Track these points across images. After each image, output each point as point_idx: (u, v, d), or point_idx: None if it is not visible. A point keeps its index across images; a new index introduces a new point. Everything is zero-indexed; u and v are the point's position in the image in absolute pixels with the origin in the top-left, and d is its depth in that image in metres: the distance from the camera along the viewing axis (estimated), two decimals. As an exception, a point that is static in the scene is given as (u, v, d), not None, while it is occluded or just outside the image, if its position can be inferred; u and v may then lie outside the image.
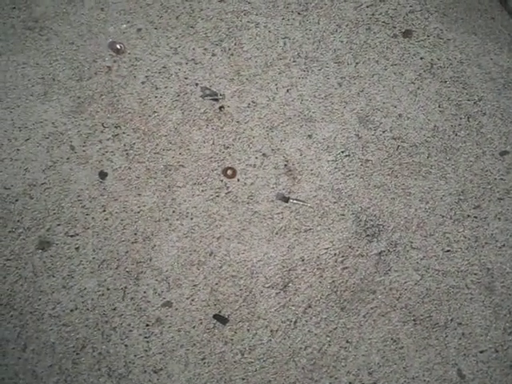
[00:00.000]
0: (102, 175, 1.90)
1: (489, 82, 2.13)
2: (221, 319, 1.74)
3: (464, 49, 2.18)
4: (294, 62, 2.11)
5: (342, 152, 1.98)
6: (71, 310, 1.74)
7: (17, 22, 2.13)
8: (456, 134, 2.02)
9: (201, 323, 1.74)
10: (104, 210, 1.86)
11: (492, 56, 2.18)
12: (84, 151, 1.93)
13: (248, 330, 1.74)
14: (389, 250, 1.85)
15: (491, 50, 2.19)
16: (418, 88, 2.10)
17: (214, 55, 2.11)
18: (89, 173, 1.90)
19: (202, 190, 1.90)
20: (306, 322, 1.76)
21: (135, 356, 1.70)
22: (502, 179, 1.97)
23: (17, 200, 1.86)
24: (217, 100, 2.02)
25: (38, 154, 1.92)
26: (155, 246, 1.82)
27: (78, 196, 1.87)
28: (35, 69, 2.05)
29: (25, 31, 2.11)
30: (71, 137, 1.95)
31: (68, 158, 1.92)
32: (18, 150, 1.92)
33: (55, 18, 2.14)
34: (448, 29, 2.22)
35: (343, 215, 1.89)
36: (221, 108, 2.01)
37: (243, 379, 1.69)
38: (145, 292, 1.77)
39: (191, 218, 1.86)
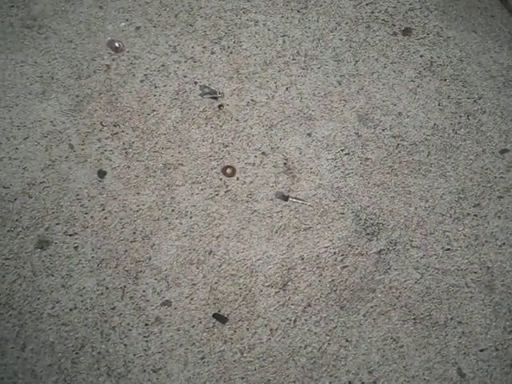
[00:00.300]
0: (101, 174, 1.90)
1: (489, 80, 2.13)
2: (220, 318, 1.74)
3: (464, 47, 2.18)
4: (293, 60, 2.11)
5: (342, 150, 1.97)
6: (70, 310, 1.74)
7: (15, 21, 2.13)
8: (456, 132, 2.02)
9: (200, 322, 1.74)
10: (103, 209, 1.85)
11: (492, 54, 2.18)
12: (83, 150, 1.93)
13: (247, 329, 1.74)
14: (388, 249, 1.85)
15: (491, 47, 2.19)
16: (418, 86, 2.10)
17: (213, 53, 2.10)
18: (88, 171, 1.90)
19: (201, 189, 1.90)
20: (306, 320, 1.76)
21: (134, 355, 1.70)
22: (502, 177, 1.97)
23: (15, 199, 1.85)
24: (216, 98, 2.02)
25: (37, 152, 1.92)
26: (154, 244, 1.82)
27: (77, 195, 1.87)
28: (34, 67, 2.05)
29: (23, 29, 2.11)
30: (70, 135, 1.95)
31: (67, 157, 1.92)
32: (16, 148, 1.92)
33: (54, 16, 2.14)
34: (448, 27, 2.22)
35: (343, 214, 1.89)
36: (220, 106, 2.01)
37: (243, 378, 1.69)
38: (144, 291, 1.77)
39: (190, 217, 1.86)
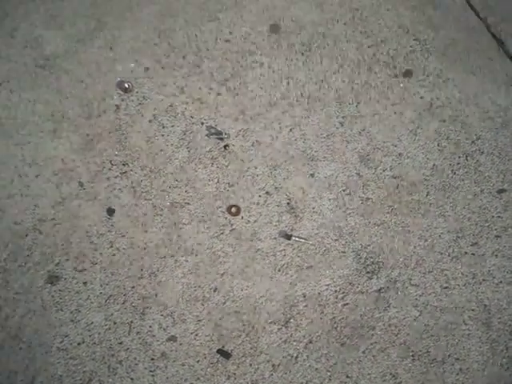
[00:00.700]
0: (110, 212, 1.94)
1: (487, 121, 2.17)
2: (224, 354, 1.78)
3: (463, 88, 2.23)
4: (297, 101, 2.16)
5: (343, 190, 2.02)
6: (78, 344, 1.77)
7: (28, 60, 2.19)
8: (454, 173, 2.06)
9: (205, 358, 1.77)
10: (111, 246, 1.90)
11: (490, 95, 2.23)
12: (92, 188, 1.98)
13: (250, 365, 1.77)
14: (388, 287, 1.88)
15: (489, 89, 2.24)
16: (418, 127, 2.14)
17: (219, 94, 2.16)
18: (97, 209, 1.95)
19: (207, 228, 1.94)
20: (307, 357, 1.79)
21: (140, 390, 1.74)
22: (499, 217, 2.01)
23: (27, 235, 1.90)
24: (222, 139, 2.07)
25: (48, 190, 1.97)
26: (161, 281, 1.86)
27: (87, 232, 1.91)
28: (45, 106, 2.11)
29: (36, 69, 2.17)
30: (80, 173, 2.00)
31: (77, 195, 1.96)
32: (28, 186, 1.97)
33: (65, 56, 2.20)
34: (447, 68, 2.27)
35: (344, 252, 1.93)
36: (225, 147, 2.06)
37: (245, 413, 1.72)
38: (150, 327, 1.80)
39: (196, 255, 1.90)
